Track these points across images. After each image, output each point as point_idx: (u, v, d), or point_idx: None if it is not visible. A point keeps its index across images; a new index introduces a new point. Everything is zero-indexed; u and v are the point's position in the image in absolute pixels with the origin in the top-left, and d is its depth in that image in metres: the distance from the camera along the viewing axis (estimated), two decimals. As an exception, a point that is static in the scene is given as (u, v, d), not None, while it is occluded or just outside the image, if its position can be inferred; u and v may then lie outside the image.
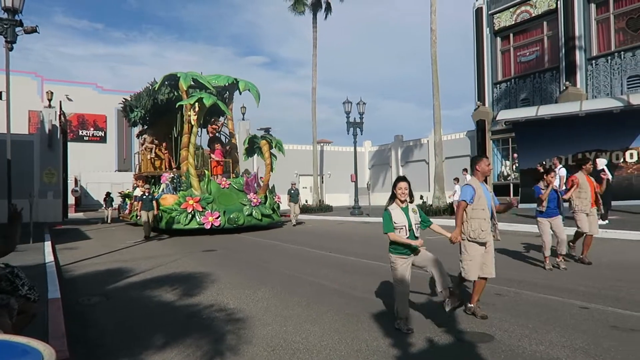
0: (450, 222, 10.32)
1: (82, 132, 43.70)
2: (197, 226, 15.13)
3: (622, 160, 17.21)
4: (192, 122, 16.37)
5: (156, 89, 18.41)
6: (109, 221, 21.98)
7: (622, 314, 4.79)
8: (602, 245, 7.86)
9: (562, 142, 17.86)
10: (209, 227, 15.15)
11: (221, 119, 20.37)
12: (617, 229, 10.82)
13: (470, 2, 24.94)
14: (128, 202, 21.36)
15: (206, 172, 17.16)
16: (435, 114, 21.01)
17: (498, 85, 23.64)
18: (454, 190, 19.05)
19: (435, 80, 20.68)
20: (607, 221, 12.02)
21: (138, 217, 16.46)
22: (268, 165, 17.87)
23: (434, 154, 22.10)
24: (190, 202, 15.26)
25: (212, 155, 18.92)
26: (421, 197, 22.43)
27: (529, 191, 17.72)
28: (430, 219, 4.72)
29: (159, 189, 17.21)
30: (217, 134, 19.94)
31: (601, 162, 13.44)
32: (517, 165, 21.75)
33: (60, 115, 23.60)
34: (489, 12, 23.84)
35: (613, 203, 13.54)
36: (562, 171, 14.08)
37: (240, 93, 19.05)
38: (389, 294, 6.03)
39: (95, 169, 39.77)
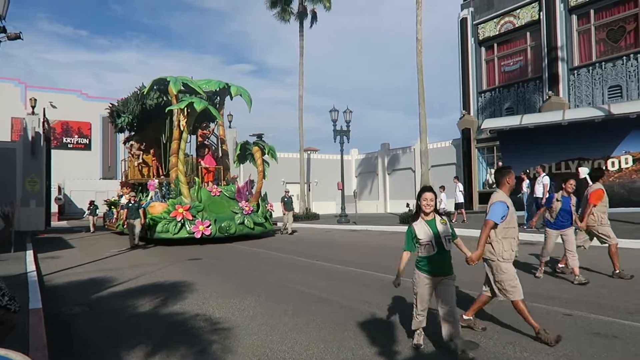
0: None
1: (66, 140, 43.17)
2: (187, 235, 14.70)
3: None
4: (182, 128, 16.06)
5: (145, 93, 17.74)
6: (92, 230, 21.67)
7: (605, 321, 4.86)
8: (584, 253, 7.98)
9: (545, 151, 18.13)
10: (199, 236, 14.71)
11: (211, 124, 20.09)
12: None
13: (455, 13, 25.36)
14: (114, 210, 21.04)
15: (196, 179, 16.78)
16: (421, 122, 21.18)
17: (483, 95, 23.97)
18: (439, 198, 19.19)
19: (421, 89, 20.87)
20: None
21: (124, 226, 16.17)
22: (260, 173, 17.51)
23: (420, 162, 22.23)
24: (180, 210, 14.87)
25: (202, 162, 18.63)
26: (407, 205, 22.56)
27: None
28: (456, 233, 4.33)
29: (147, 196, 16.89)
30: (205, 140, 19.72)
31: (583, 171, 13.62)
32: (502, 173, 22.00)
33: (43, 122, 23.32)
34: (474, 23, 24.22)
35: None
36: (545, 179, 14.23)
37: (231, 98, 18.48)
38: (375, 302, 6.04)
39: (79, 177, 39.22)
